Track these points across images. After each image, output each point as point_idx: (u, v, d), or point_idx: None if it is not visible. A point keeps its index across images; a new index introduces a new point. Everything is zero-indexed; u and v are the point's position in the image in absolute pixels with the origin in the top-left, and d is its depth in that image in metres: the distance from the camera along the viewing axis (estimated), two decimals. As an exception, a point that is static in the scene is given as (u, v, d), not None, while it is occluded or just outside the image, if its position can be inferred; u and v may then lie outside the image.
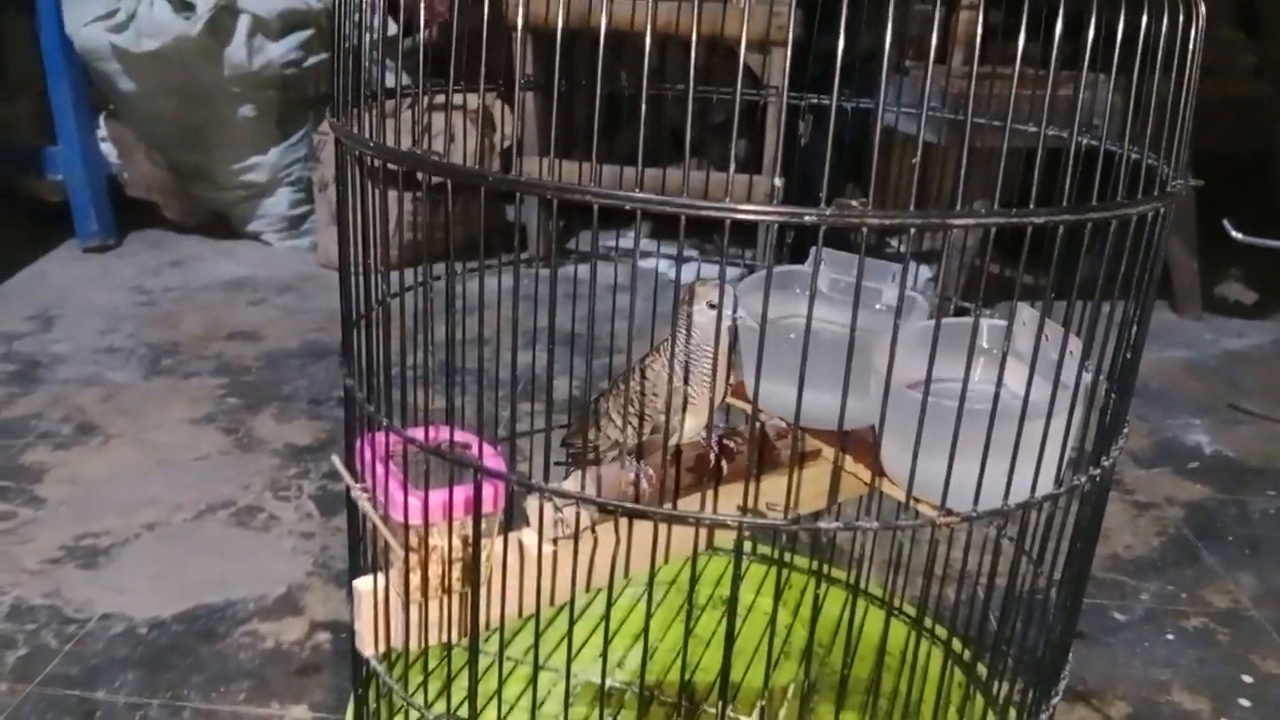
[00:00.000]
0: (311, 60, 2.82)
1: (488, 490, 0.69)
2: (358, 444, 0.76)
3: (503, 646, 0.77)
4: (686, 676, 1.04)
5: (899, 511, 0.76)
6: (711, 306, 0.81)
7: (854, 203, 0.51)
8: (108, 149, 2.84)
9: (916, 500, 0.74)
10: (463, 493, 0.70)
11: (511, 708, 0.94)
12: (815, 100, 1.18)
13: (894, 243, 2.87)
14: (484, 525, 0.73)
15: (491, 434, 1.07)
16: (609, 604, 0.77)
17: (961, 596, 1.03)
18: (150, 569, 1.46)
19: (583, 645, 1.08)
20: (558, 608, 0.85)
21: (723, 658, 0.71)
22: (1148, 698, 1.33)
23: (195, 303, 2.48)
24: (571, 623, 0.80)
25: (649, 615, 0.77)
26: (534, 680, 0.78)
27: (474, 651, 0.72)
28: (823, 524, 0.63)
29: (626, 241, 2.62)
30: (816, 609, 0.76)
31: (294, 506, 1.63)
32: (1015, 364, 0.90)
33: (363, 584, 0.74)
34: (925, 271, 2.82)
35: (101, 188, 2.79)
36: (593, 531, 0.78)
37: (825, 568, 1.25)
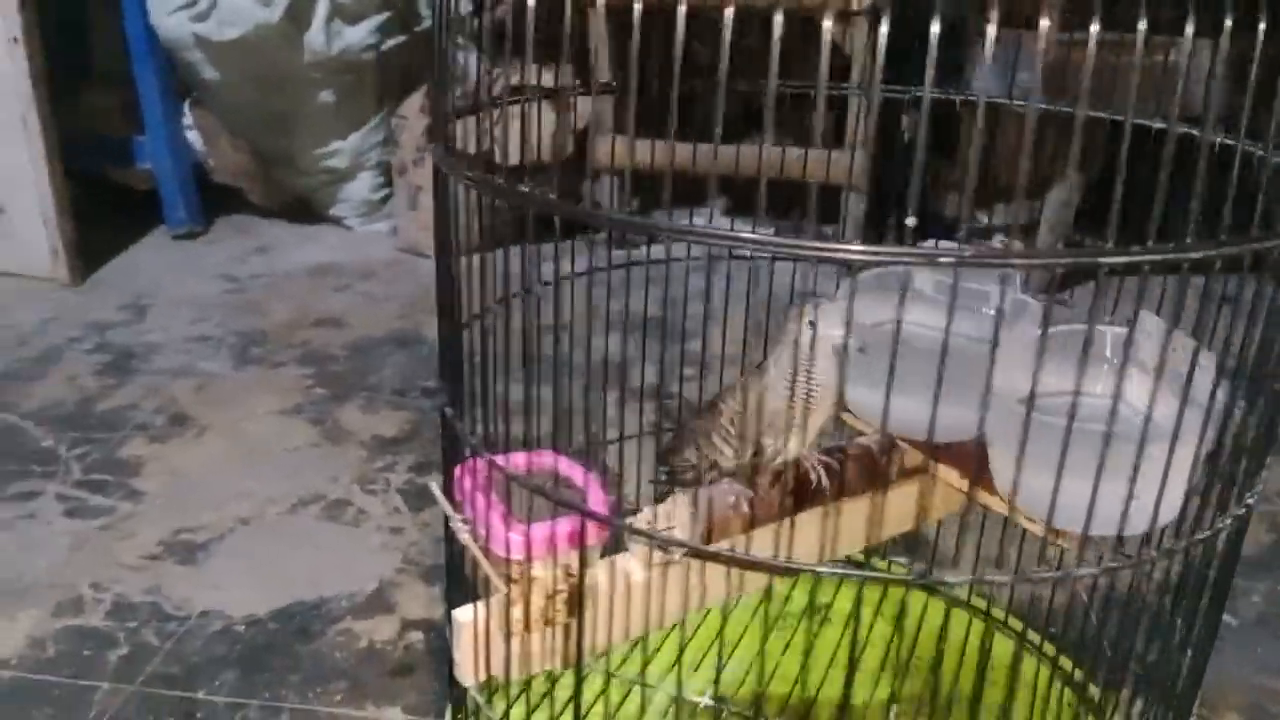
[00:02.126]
0: (389, 43, 2.82)
1: (591, 527, 0.68)
2: (457, 472, 0.75)
3: (609, 669, 0.76)
4: (803, 694, 1.02)
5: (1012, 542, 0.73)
6: (811, 325, 0.78)
7: (997, 242, 0.48)
8: (193, 137, 2.87)
9: (1054, 535, 0.70)
10: (565, 527, 0.69)
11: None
12: (909, 93, 1.13)
13: (987, 220, 2.78)
14: (587, 557, 0.72)
15: (583, 441, 1.06)
16: (722, 623, 0.76)
17: (1078, 618, 0.99)
18: (245, 564, 1.48)
19: (676, 661, 1.07)
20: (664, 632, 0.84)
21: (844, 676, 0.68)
22: (1260, 705, 1.27)
23: (281, 289, 2.51)
24: (683, 645, 0.78)
25: (765, 634, 0.75)
26: (631, 692, 0.76)
27: (578, 687, 0.71)
28: (950, 577, 0.60)
29: (702, 220, 2.59)
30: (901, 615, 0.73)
31: (381, 500, 1.64)
32: (1140, 378, 0.85)
33: (462, 614, 0.73)
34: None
35: (188, 176, 2.83)
36: (692, 559, 0.77)
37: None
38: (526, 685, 0.79)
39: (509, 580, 0.70)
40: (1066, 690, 1.03)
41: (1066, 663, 1.08)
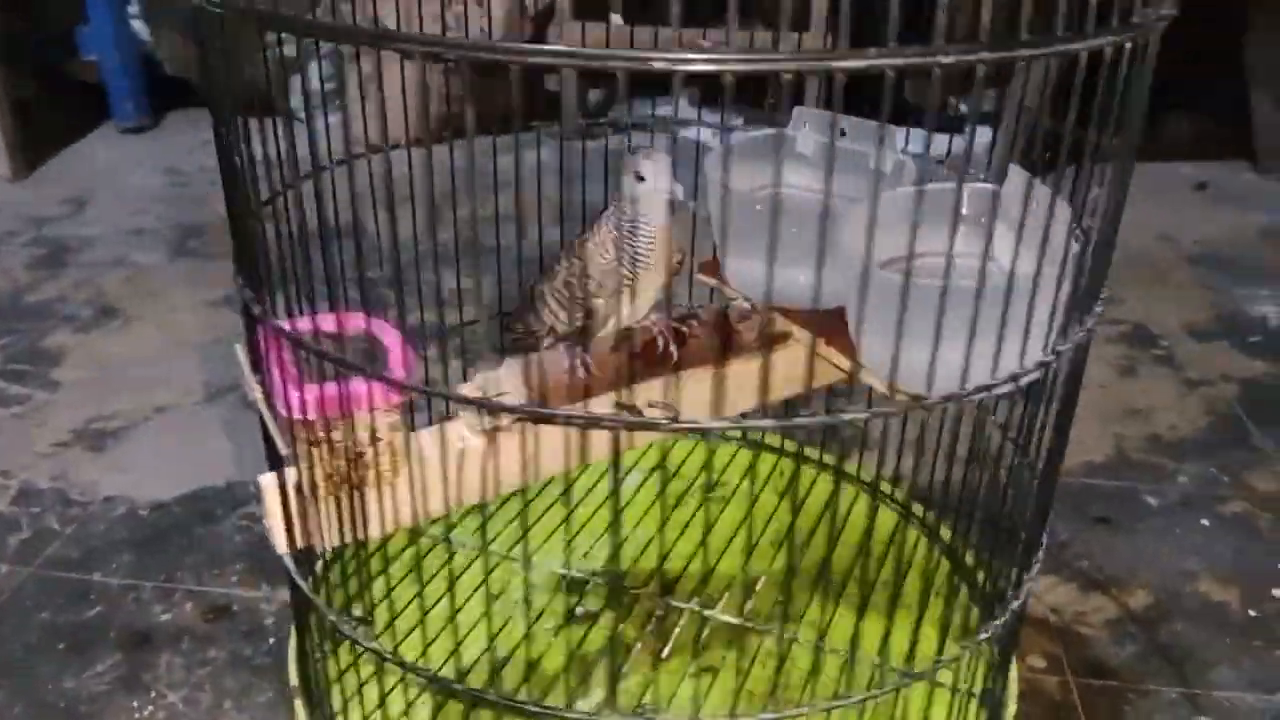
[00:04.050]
0: (337, -75, 2.72)
1: (383, 390, 0.65)
2: (256, 338, 0.71)
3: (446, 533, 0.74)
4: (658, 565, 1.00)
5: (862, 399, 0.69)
6: (640, 179, 0.74)
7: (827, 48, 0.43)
8: (139, 26, 2.79)
9: (894, 389, 0.67)
10: (353, 389, 0.66)
11: (468, 599, 0.92)
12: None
13: (953, 102, 2.69)
14: (386, 420, 0.69)
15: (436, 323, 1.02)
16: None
17: (937, 476, 0.97)
18: (156, 452, 1.47)
19: (545, 539, 1.05)
20: (505, 498, 0.81)
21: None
22: (1172, 588, 1.25)
23: (227, 182, 2.46)
24: (525, 508, 0.76)
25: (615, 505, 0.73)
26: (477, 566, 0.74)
27: (380, 556, 0.68)
28: (714, 423, 0.56)
29: (665, 110, 2.51)
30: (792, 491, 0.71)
31: (304, 389, 1.61)
32: (1001, 232, 0.81)
33: (266, 479, 0.71)
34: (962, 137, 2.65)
35: (136, 68, 2.76)
36: (512, 428, 0.74)
37: (809, 453, 1.19)
38: (356, 554, 0.76)
39: (294, 443, 0.67)
40: (922, 539, 1.01)
41: (919, 510, 1.06)
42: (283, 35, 2.37)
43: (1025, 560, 0.76)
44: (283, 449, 0.67)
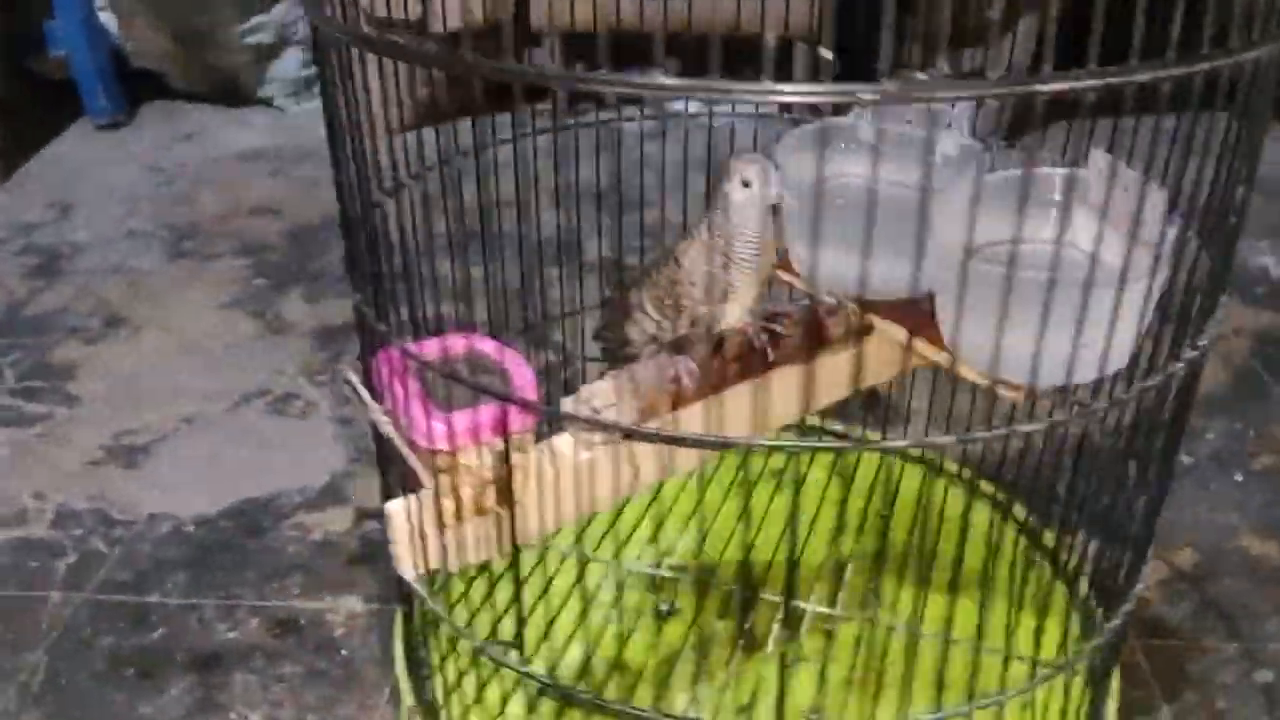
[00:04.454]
0: (306, -94, 2.64)
1: (516, 414, 0.64)
2: (373, 361, 0.70)
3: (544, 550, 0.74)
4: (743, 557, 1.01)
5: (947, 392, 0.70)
6: (746, 185, 0.73)
7: (920, 74, 0.43)
8: (107, 18, 2.71)
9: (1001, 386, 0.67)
10: (488, 414, 0.65)
11: (564, 603, 0.92)
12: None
13: (941, 65, 2.70)
14: (515, 443, 0.68)
15: (518, 321, 1.01)
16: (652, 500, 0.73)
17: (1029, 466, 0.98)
18: (191, 464, 1.45)
19: (630, 534, 1.05)
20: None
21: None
22: (1215, 544, 1.29)
23: (212, 178, 2.41)
24: (616, 516, 0.76)
25: (699, 499, 0.73)
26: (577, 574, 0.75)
27: (516, 571, 0.68)
28: (891, 441, 0.57)
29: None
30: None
31: (330, 391, 1.60)
32: (1087, 219, 0.81)
33: (394, 506, 0.70)
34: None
35: (106, 62, 2.68)
36: (631, 439, 0.74)
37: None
38: (481, 573, 0.76)
39: (436, 471, 0.66)
40: (1020, 538, 1.03)
41: (1019, 511, 1.07)
42: (258, 22, 2.29)
43: (1138, 562, 0.78)
44: (425, 479, 0.66)
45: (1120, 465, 0.81)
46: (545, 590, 0.79)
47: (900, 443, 0.56)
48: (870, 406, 1.22)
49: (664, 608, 1.01)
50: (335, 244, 2.05)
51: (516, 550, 0.68)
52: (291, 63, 2.79)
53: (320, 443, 1.49)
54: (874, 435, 1.15)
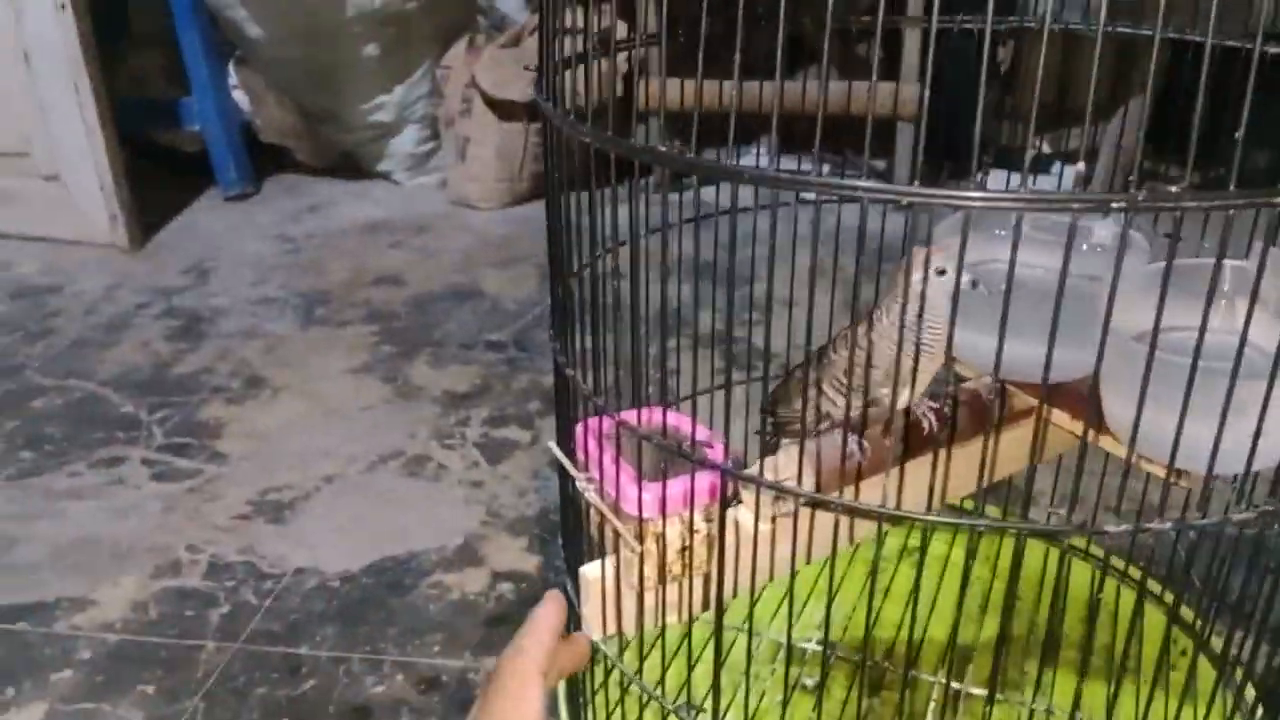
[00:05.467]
0: (431, -7, 2.79)
1: (715, 480, 0.68)
2: (578, 430, 0.75)
3: (719, 620, 0.77)
4: (906, 639, 1.03)
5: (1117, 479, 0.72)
6: (940, 273, 0.77)
7: (1172, 188, 0.47)
8: (239, 96, 2.87)
9: (1175, 473, 0.69)
10: (702, 483, 0.70)
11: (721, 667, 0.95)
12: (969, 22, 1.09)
13: (1037, 145, 2.73)
14: (707, 513, 0.72)
15: (672, 394, 1.05)
16: (831, 574, 0.76)
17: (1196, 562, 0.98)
18: (334, 522, 1.51)
19: (779, 607, 1.07)
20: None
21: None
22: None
23: (337, 248, 2.52)
24: (791, 593, 0.79)
25: (871, 579, 0.76)
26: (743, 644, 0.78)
27: (719, 638, 0.72)
28: (1110, 526, 0.59)
29: (748, 160, 2.55)
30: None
31: (460, 455, 1.66)
32: (1259, 313, 0.83)
33: (590, 571, 0.74)
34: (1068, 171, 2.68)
35: (237, 136, 2.84)
36: (810, 510, 0.77)
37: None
38: (659, 636, 0.80)
39: (640, 538, 0.70)
40: (1182, 635, 1.03)
41: (1187, 612, 1.07)
42: (379, 102, 2.41)
43: None
44: (634, 546, 0.70)
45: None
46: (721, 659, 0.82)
47: (1121, 527, 0.59)
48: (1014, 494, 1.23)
49: (809, 682, 1.03)
50: (455, 312, 2.14)
51: (720, 615, 0.71)
52: (409, 139, 2.93)
53: (453, 504, 1.54)
54: (1015, 515, 1.17)
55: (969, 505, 1.26)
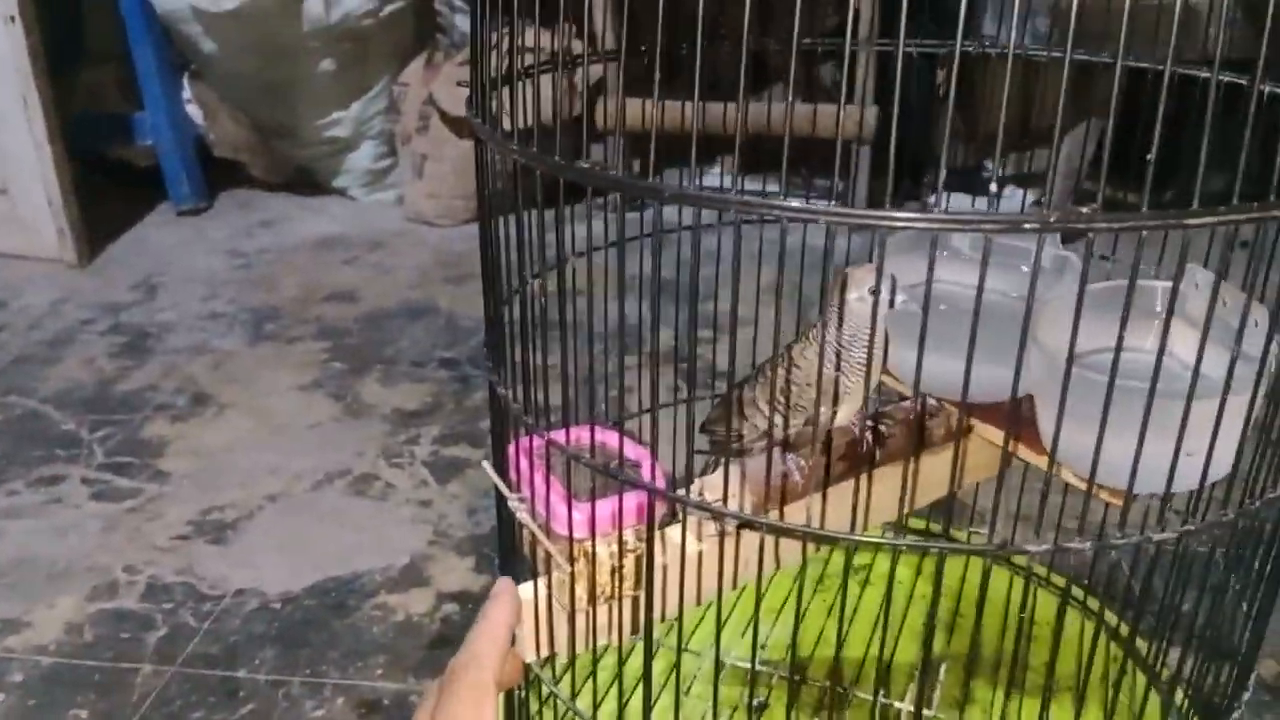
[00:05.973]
0: (388, 9, 2.78)
1: (644, 500, 0.67)
2: (510, 450, 0.74)
3: (649, 639, 0.76)
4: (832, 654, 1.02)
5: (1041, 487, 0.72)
6: (873, 293, 0.77)
7: (1084, 209, 0.47)
8: (193, 111, 2.84)
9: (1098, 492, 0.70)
10: (630, 503, 0.69)
11: (661, 690, 0.94)
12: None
13: (990, 167, 2.76)
14: (638, 532, 0.71)
15: (615, 413, 1.05)
16: (758, 593, 0.76)
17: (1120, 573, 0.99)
18: (276, 542, 1.48)
19: (722, 624, 1.07)
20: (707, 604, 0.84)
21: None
22: (1295, 655, 1.28)
23: (290, 264, 2.49)
24: (719, 610, 0.79)
25: (799, 597, 0.75)
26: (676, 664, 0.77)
27: (648, 659, 0.71)
28: (1031, 546, 0.59)
29: (712, 179, 2.56)
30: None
31: (408, 473, 1.64)
32: (1188, 331, 0.84)
33: (523, 592, 0.73)
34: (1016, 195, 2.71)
35: (190, 151, 2.81)
36: (741, 531, 0.76)
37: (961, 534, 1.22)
38: (592, 658, 0.79)
39: (571, 558, 0.69)
40: (1112, 644, 1.03)
41: (1111, 617, 1.08)
42: (335, 117, 2.40)
43: (1241, 682, 0.78)
44: (564, 565, 0.69)
45: (1220, 578, 0.82)
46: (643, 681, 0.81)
47: (1040, 547, 0.59)
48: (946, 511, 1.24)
49: (756, 702, 1.03)
50: (409, 329, 2.12)
51: (650, 634, 0.71)
52: (366, 155, 2.91)
53: (399, 523, 1.52)
54: (960, 534, 1.17)
55: (922, 524, 1.26)
